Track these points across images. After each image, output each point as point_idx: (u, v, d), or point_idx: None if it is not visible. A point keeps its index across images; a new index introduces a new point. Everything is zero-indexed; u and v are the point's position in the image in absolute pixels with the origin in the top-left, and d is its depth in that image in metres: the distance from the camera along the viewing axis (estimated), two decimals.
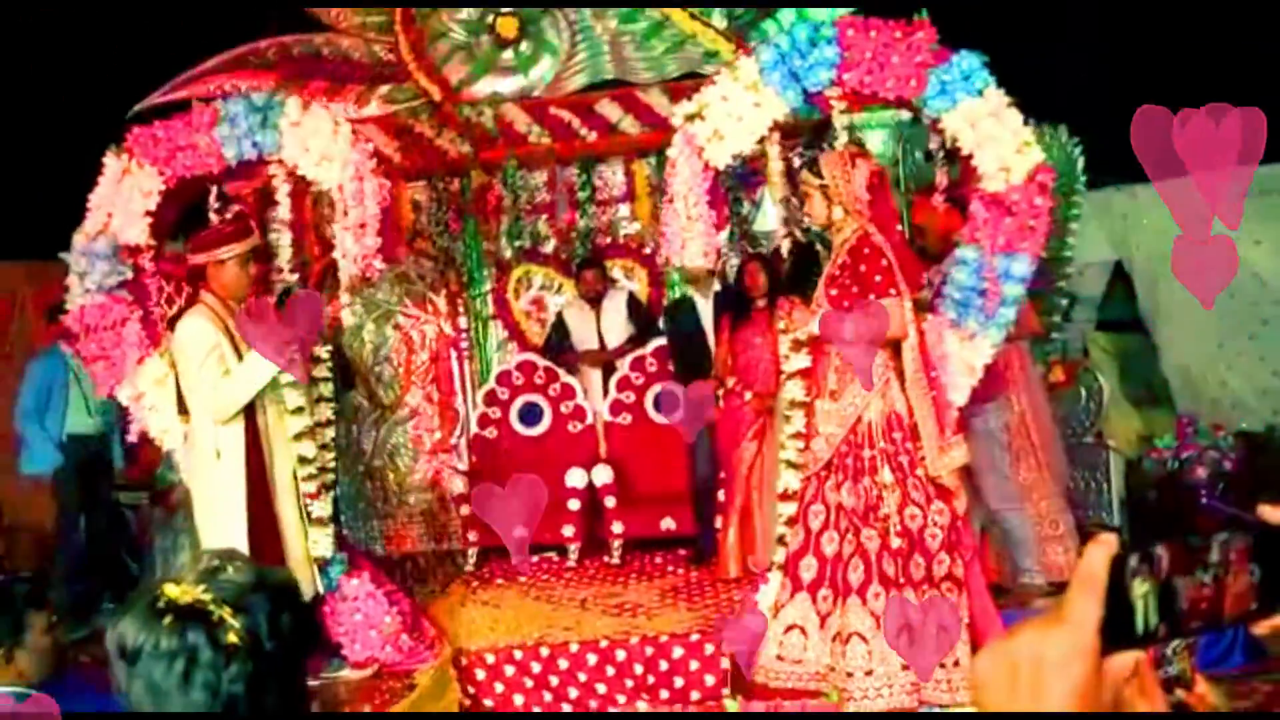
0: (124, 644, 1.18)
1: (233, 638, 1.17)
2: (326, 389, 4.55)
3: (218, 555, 1.27)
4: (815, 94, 4.13)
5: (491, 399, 6.53)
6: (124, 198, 4.42)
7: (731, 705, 3.86)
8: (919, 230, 4.96)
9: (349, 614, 4.38)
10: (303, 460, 4.27)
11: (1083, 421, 5.67)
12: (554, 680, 4.53)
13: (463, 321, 6.90)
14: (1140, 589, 0.72)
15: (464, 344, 6.89)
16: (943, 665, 3.68)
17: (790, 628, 3.88)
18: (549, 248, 6.84)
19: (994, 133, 3.96)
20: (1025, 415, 4.77)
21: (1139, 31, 6.54)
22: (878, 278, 3.78)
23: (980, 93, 3.98)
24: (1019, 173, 3.95)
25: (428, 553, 6.54)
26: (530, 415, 6.48)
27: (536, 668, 4.54)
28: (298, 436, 4.26)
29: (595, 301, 6.37)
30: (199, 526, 4.16)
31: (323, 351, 4.53)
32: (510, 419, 6.50)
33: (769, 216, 6.42)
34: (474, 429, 6.59)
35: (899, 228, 4.32)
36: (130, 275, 4.47)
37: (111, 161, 4.45)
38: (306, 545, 4.25)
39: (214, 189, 5.26)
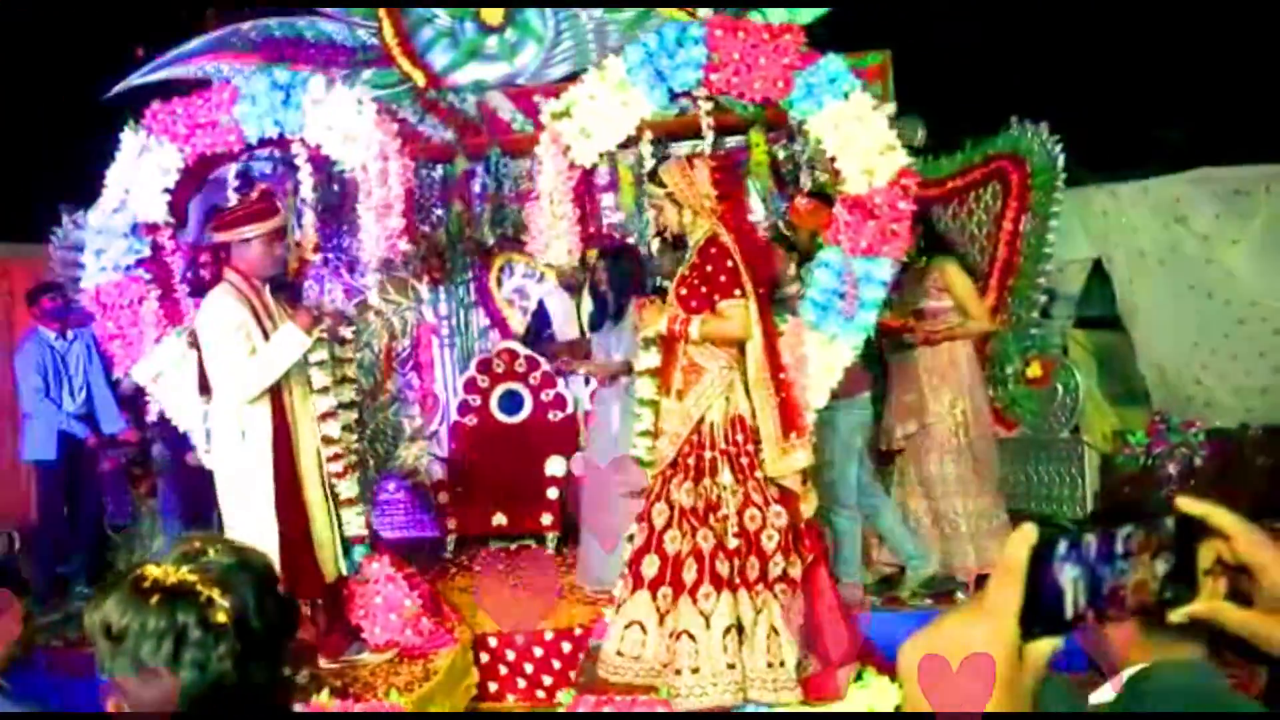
0: (109, 624, 1.19)
1: (222, 617, 1.19)
2: (351, 370, 4.55)
3: (199, 538, 1.28)
4: (682, 94, 4.17)
5: (472, 386, 6.54)
6: (142, 175, 4.38)
7: (565, 698, 3.93)
8: (791, 229, 5.01)
9: (370, 597, 4.39)
10: (327, 440, 4.27)
11: (1058, 417, 5.72)
12: (529, 668, 4.55)
13: (444, 309, 6.90)
14: (1070, 575, 0.75)
15: (445, 331, 6.89)
16: (770, 665, 3.75)
17: (631, 624, 3.92)
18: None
19: (858, 136, 3.99)
20: (967, 414, 4.83)
21: (1120, 30, 6.58)
22: (722, 278, 3.81)
23: (846, 96, 4.01)
24: (882, 176, 3.98)
25: (406, 539, 6.56)
26: (511, 403, 6.49)
27: (511, 655, 4.57)
28: (323, 417, 4.26)
29: (577, 290, 6.38)
30: (222, 507, 4.14)
31: (347, 332, 4.53)
32: (491, 407, 6.51)
33: (754, 208, 6.45)
34: (454, 416, 6.60)
35: (751, 218, 4.33)
36: (148, 253, 4.46)
37: (130, 138, 4.40)
38: (332, 526, 4.25)
39: (234, 168, 5.24)
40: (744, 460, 3.85)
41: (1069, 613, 0.76)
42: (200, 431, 4.39)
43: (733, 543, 3.78)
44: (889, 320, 4.63)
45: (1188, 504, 0.82)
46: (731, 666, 3.71)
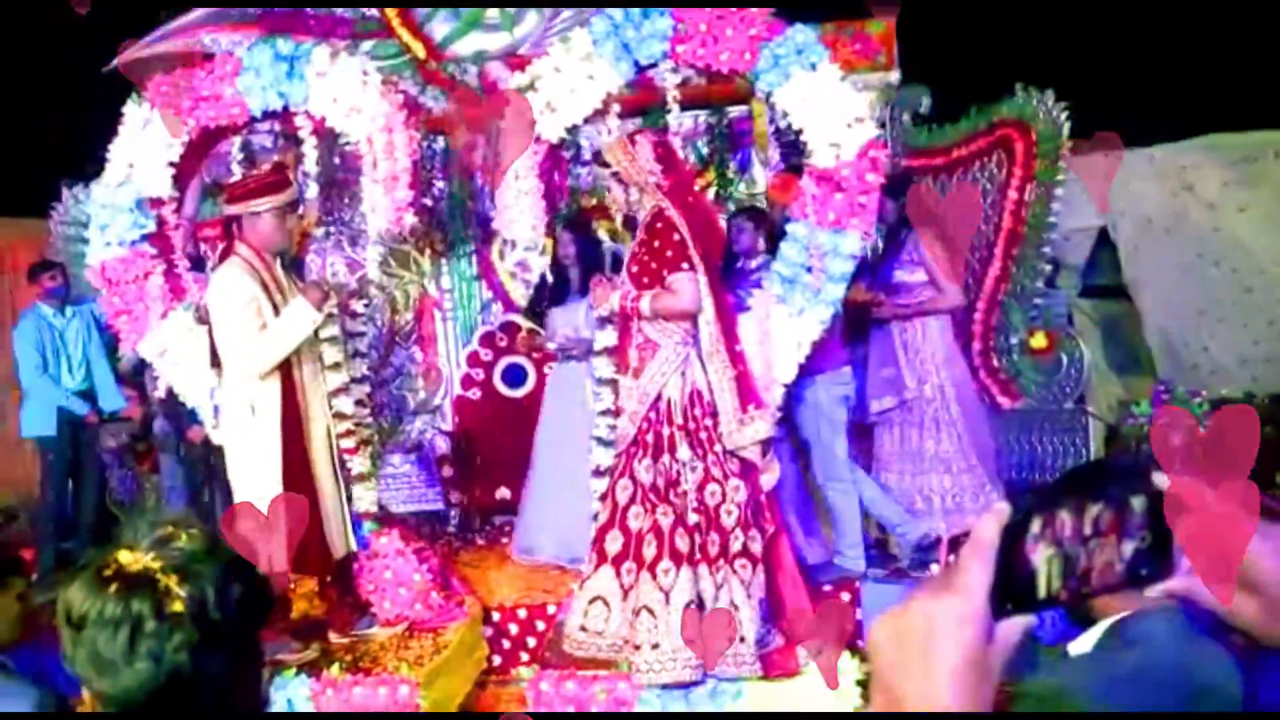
0: (70, 610, 1.15)
1: (178, 606, 1.15)
2: (363, 344, 4.56)
3: (172, 521, 1.24)
4: (649, 66, 4.13)
5: (475, 360, 6.53)
6: (146, 149, 4.37)
7: (527, 674, 3.96)
8: (771, 204, 5.00)
9: (379, 571, 4.40)
10: (340, 416, 4.27)
11: (1063, 387, 5.70)
12: (531, 642, 4.56)
13: (446, 282, 6.88)
14: (1044, 553, 0.75)
15: (448, 305, 6.87)
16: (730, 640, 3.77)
17: (595, 599, 3.95)
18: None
19: (825, 108, 3.96)
20: (944, 388, 4.83)
21: None
22: (669, 253, 3.82)
23: (814, 67, 3.97)
24: (850, 148, 3.95)
25: (411, 513, 6.57)
26: (514, 377, 6.48)
27: (514, 629, 4.58)
28: (335, 392, 4.26)
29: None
30: (232, 483, 4.16)
31: (359, 306, 4.52)
32: (494, 380, 6.50)
33: (757, 179, 6.41)
34: (457, 390, 6.59)
35: (698, 189, 4.33)
36: (153, 228, 4.43)
37: (133, 111, 4.38)
38: (340, 501, 4.26)
39: (238, 141, 5.23)
40: (703, 435, 3.87)
41: (1042, 593, 0.75)
42: (208, 407, 4.39)
43: (692, 518, 3.81)
44: (857, 293, 4.61)
45: (1164, 481, 0.82)
46: (691, 642, 3.73)
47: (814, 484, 4.81)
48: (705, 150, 6.63)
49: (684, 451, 3.86)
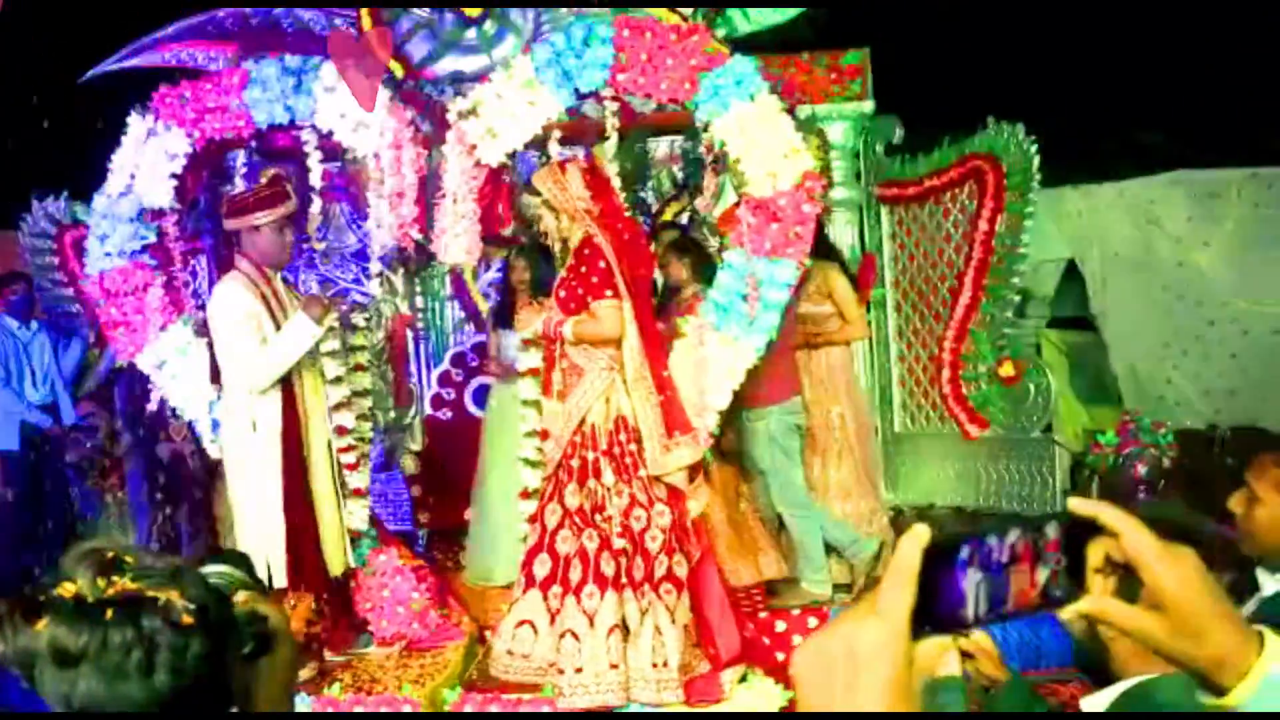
0: (64, 650, 1.13)
1: (187, 618, 1.15)
2: (364, 358, 4.54)
3: (108, 547, 1.20)
4: (589, 94, 4.17)
5: (446, 380, 6.52)
6: (149, 159, 4.36)
7: (451, 696, 3.97)
8: (721, 236, 5.09)
9: (377, 589, 4.38)
10: (341, 431, 4.25)
11: (1030, 416, 5.75)
12: None
13: (420, 301, 6.87)
14: (974, 579, 0.77)
15: (420, 324, 6.86)
16: (654, 665, 3.79)
17: (522, 623, 3.95)
18: (508, 230, 6.79)
19: (763, 138, 4.03)
20: (845, 417, 4.92)
21: (1098, 32, 6.62)
22: (595, 279, 3.87)
23: (752, 98, 4.02)
24: (786, 179, 4.02)
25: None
26: (485, 397, 6.45)
27: (479, 651, 4.55)
28: (336, 407, 4.24)
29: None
30: (232, 499, 4.14)
31: (360, 319, 4.51)
32: (465, 401, 6.49)
33: (727, 203, 6.45)
34: (428, 410, 6.57)
35: (627, 216, 4.39)
36: (154, 239, 4.40)
37: (136, 122, 4.37)
38: (340, 518, 4.23)
39: (242, 153, 5.21)
40: (628, 461, 3.90)
41: (970, 617, 0.77)
42: (206, 421, 4.36)
43: (618, 543, 3.82)
44: None
45: (1077, 504, 0.83)
46: (615, 666, 3.75)
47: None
48: (680, 175, 6.68)
49: (608, 477, 3.89)
